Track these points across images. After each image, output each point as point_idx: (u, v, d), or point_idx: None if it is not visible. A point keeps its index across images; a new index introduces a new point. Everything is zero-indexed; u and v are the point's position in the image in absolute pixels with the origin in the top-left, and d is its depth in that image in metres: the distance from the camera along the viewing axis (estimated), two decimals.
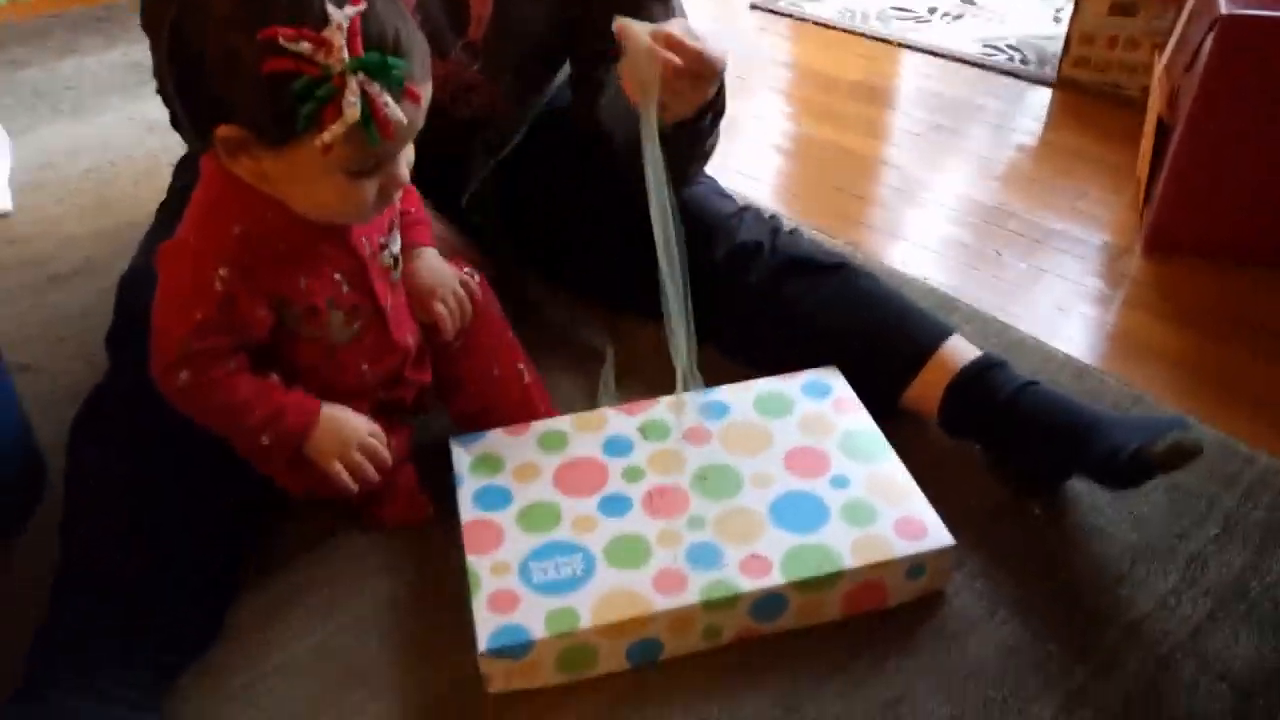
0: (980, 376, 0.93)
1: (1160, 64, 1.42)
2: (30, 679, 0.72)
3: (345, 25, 0.62)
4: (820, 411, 0.94)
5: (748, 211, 1.08)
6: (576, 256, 1.15)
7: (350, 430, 0.81)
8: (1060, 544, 0.90)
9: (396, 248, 0.85)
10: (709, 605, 0.78)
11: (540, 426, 0.93)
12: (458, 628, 0.81)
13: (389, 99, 0.63)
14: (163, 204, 1.08)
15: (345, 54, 0.61)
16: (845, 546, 0.81)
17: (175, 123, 1.03)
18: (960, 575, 0.87)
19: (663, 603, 0.77)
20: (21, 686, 0.72)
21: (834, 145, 1.65)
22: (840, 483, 0.87)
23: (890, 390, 0.97)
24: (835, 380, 0.97)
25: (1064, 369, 1.10)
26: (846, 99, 1.81)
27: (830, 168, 1.58)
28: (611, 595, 0.78)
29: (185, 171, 1.10)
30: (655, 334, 1.12)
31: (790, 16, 2.17)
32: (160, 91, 0.96)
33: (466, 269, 0.92)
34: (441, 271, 0.89)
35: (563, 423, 0.94)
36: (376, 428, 0.83)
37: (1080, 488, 0.95)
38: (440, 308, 0.87)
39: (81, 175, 1.56)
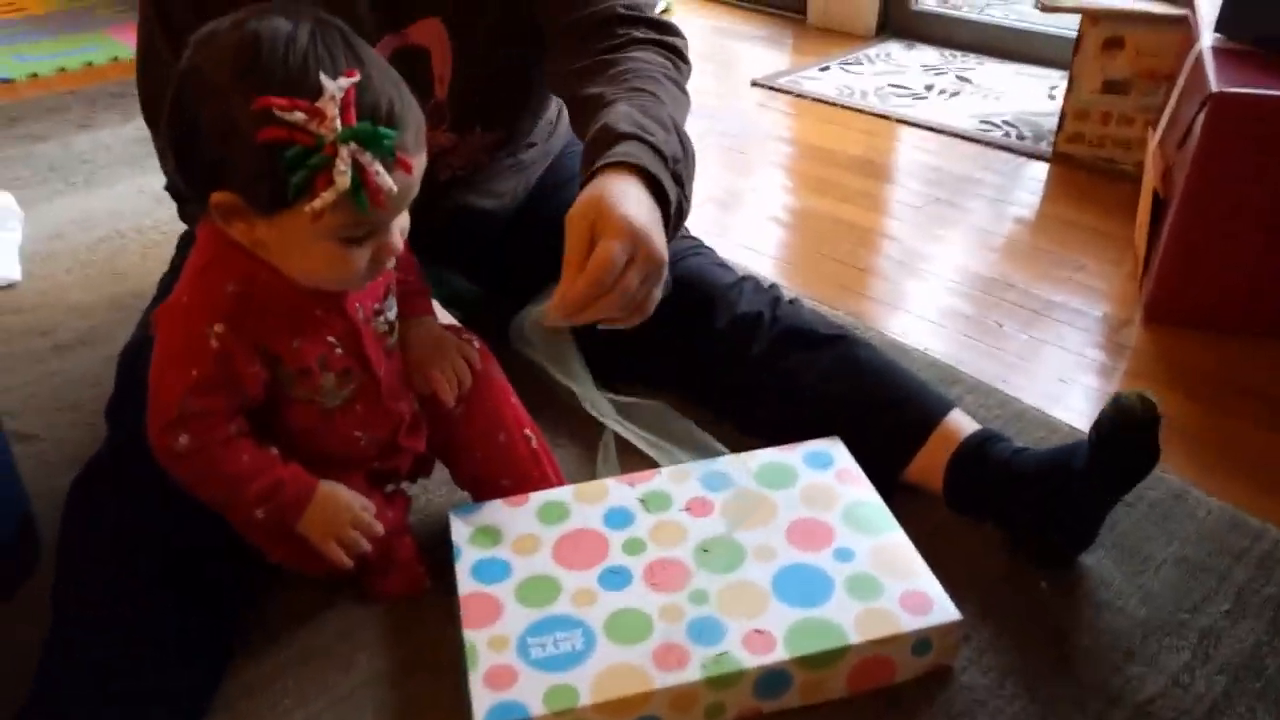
0: (981, 448, 0.92)
1: (1154, 140, 1.45)
2: None
3: (339, 96, 0.63)
4: (823, 483, 0.93)
5: (747, 282, 1.09)
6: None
7: (343, 506, 0.80)
8: (1069, 617, 0.88)
9: (392, 314, 0.85)
10: (711, 682, 0.76)
11: (540, 497, 0.93)
12: (454, 703, 0.80)
13: (380, 168, 0.65)
14: (164, 276, 1.09)
15: (338, 124, 0.63)
16: (850, 621, 0.79)
17: (172, 191, 1.04)
18: (968, 649, 0.85)
19: (663, 679, 0.75)
20: None
21: (834, 218, 1.67)
22: (844, 555, 0.85)
23: (893, 465, 0.96)
24: (837, 451, 0.96)
25: (1068, 440, 1.09)
26: (846, 173, 1.84)
27: (830, 240, 1.60)
28: (611, 672, 0.76)
29: (187, 246, 1.12)
30: (654, 401, 1.13)
31: (790, 93, 2.22)
32: (161, 160, 0.99)
33: (465, 335, 0.92)
34: (440, 339, 0.89)
35: (564, 494, 0.93)
36: (367, 501, 0.83)
37: (1089, 562, 0.93)
38: (438, 375, 0.86)
39: (92, 245, 1.58)
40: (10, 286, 1.47)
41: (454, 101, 0.99)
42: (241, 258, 0.73)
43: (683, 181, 0.84)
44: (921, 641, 0.80)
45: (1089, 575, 0.92)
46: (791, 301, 1.08)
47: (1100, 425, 0.82)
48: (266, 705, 0.81)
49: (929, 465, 0.94)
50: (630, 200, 0.75)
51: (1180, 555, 0.94)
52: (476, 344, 0.92)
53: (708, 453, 1.02)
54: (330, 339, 0.78)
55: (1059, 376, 1.24)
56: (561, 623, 0.80)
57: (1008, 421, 1.12)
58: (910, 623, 0.79)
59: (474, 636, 0.79)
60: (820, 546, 0.86)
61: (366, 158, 0.64)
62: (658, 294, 0.79)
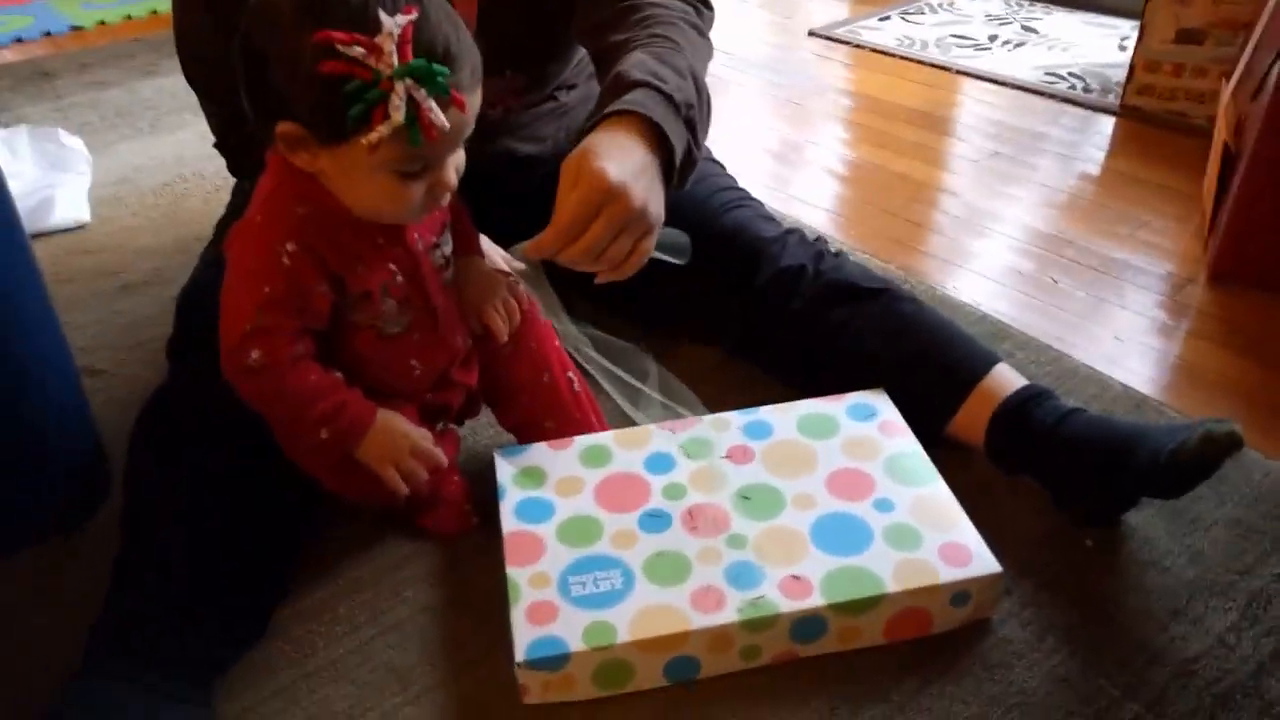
0: (1023, 406, 0.91)
1: (1227, 91, 1.39)
2: (84, 671, 0.74)
3: (396, 33, 0.65)
4: (865, 434, 0.93)
5: (792, 235, 1.08)
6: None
7: (401, 434, 0.82)
8: (1113, 576, 0.87)
9: (448, 249, 0.87)
10: (747, 625, 0.77)
11: (584, 441, 0.94)
12: (496, 637, 0.82)
13: (434, 105, 0.66)
14: (221, 220, 1.12)
15: (395, 60, 0.65)
16: (888, 570, 0.80)
17: (221, 147, 1.06)
18: (1008, 603, 0.85)
19: (700, 620, 0.77)
20: (75, 678, 0.74)
21: (892, 172, 1.65)
22: (884, 506, 0.85)
23: (935, 420, 0.96)
24: (881, 403, 0.96)
25: (1120, 399, 1.08)
26: (905, 126, 1.80)
27: (888, 194, 1.57)
28: (649, 611, 0.78)
29: (241, 192, 1.14)
30: (693, 353, 1.14)
31: (849, 44, 2.17)
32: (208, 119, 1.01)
33: (510, 276, 0.93)
34: (491, 277, 0.90)
35: (606, 438, 0.95)
36: (426, 432, 0.85)
37: (1135, 520, 0.92)
38: (491, 310, 0.88)
39: (157, 190, 1.62)
40: (81, 228, 1.52)
41: (480, 42, 0.99)
42: (309, 181, 0.75)
43: (695, 128, 0.84)
44: (960, 593, 0.80)
45: (1135, 534, 0.91)
46: (837, 254, 1.07)
47: (1182, 453, 0.79)
48: (319, 630, 0.85)
49: (971, 421, 0.94)
50: (616, 151, 0.77)
51: (1233, 517, 0.92)
52: (521, 285, 0.93)
53: (678, 399, 1.02)
54: (392, 266, 0.80)
55: (1116, 335, 1.21)
56: (602, 562, 0.82)
57: (1058, 379, 1.10)
58: (949, 573, 0.79)
59: (516, 574, 0.81)
60: (861, 496, 0.86)
61: (421, 94, 0.66)
62: (647, 245, 0.80)
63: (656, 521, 0.85)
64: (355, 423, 0.80)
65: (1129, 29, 2.06)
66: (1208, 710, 0.76)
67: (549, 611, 0.78)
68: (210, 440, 0.84)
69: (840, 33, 2.22)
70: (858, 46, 2.16)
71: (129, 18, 2.47)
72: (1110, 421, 0.89)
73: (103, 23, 2.44)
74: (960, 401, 0.94)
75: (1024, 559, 0.88)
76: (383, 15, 0.65)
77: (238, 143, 1.02)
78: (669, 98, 0.82)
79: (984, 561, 0.80)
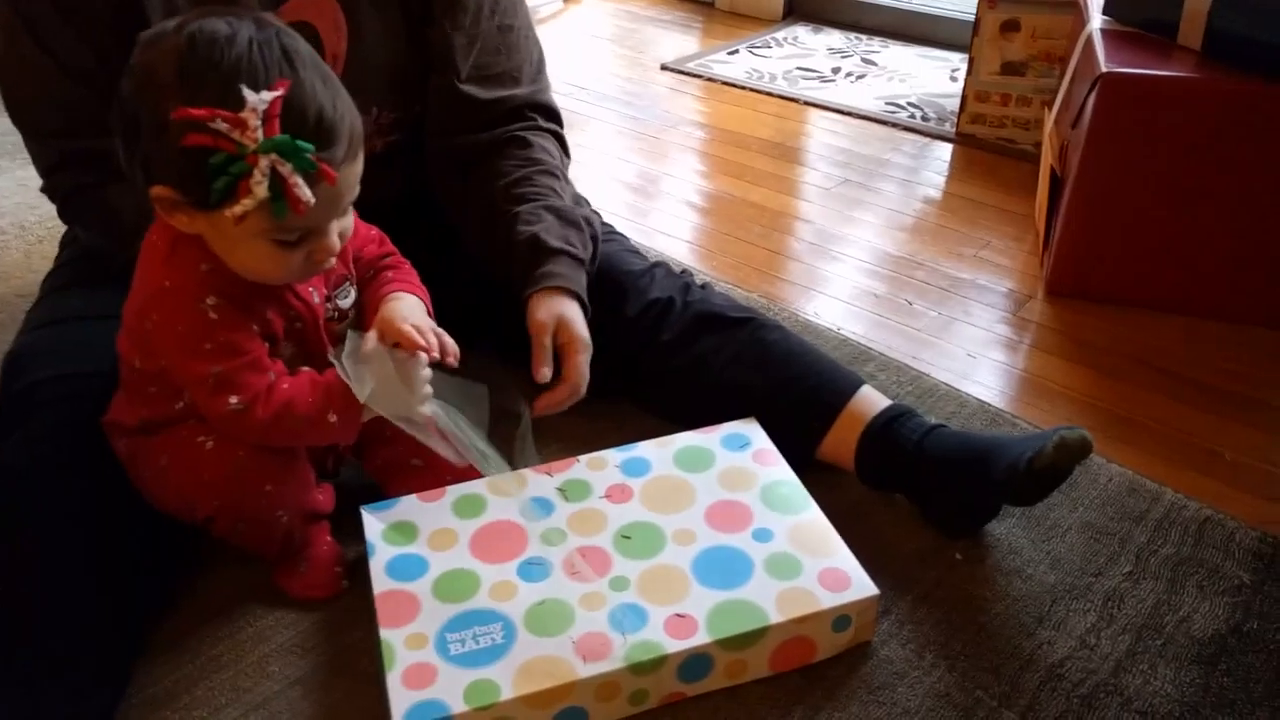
0: (888, 426, 0.94)
1: (1050, 120, 1.49)
2: None
3: (261, 108, 0.64)
4: (740, 464, 0.93)
5: (659, 268, 1.09)
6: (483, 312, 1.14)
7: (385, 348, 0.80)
8: (982, 586, 0.90)
9: (345, 303, 0.86)
10: (634, 669, 0.75)
11: (456, 491, 0.91)
12: (375, 705, 0.78)
13: (299, 180, 0.66)
14: (49, 275, 1.05)
15: (260, 134, 0.64)
16: (770, 601, 0.80)
17: (48, 192, 0.98)
18: (886, 622, 0.86)
19: (586, 669, 0.75)
20: None
21: (746, 201, 1.68)
22: (763, 536, 0.86)
23: (805, 443, 0.97)
24: (754, 432, 0.97)
25: (977, 414, 1.12)
26: (758, 156, 1.85)
27: (743, 223, 1.61)
28: (533, 664, 0.75)
29: (73, 243, 1.06)
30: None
31: (700, 77, 2.22)
32: (35, 162, 0.96)
33: None
34: (417, 311, 0.88)
35: (479, 486, 0.92)
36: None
37: (999, 530, 0.96)
38: (408, 327, 0.83)
39: None
40: None
41: (346, 78, 0.96)
42: (201, 240, 0.74)
43: (590, 273, 1.01)
44: (841, 618, 0.81)
45: (999, 544, 0.95)
46: (703, 286, 1.09)
47: (1039, 460, 0.83)
48: (173, 718, 0.78)
49: (840, 443, 0.96)
50: (578, 318, 0.95)
51: (1085, 520, 0.98)
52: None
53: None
54: (292, 313, 0.81)
55: (967, 352, 1.27)
56: (480, 616, 0.79)
57: (919, 398, 1.14)
58: (829, 600, 0.80)
59: (391, 635, 0.77)
60: (739, 528, 0.87)
61: (287, 169, 0.65)
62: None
63: (536, 570, 0.83)
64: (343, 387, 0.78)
65: (959, 61, 2.19)
66: (1076, 711, 0.80)
67: (427, 673, 0.74)
68: (35, 519, 0.77)
69: (692, 66, 2.27)
70: (709, 80, 2.21)
71: None
72: (969, 436, 0.94)
73: None
74: (828, 425, 0.96)
75: (898, 576, 0.90)
76: (246, 91, 0.64)
77: (71, 188, 0.94)
78: (581, 262, 0.99)
79: (862, 585, 0.82)
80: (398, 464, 0.93)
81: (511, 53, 1.04)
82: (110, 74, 0.72)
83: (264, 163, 0.64)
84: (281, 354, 0.81)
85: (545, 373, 0.92)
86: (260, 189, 0.64)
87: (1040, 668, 0.83)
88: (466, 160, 1.05)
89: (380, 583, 0.82)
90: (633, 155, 1.85)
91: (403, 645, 0.76)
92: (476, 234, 1.05)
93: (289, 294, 0.80)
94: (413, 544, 0.85)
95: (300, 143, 0.65)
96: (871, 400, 0.97)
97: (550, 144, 1.07)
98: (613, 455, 0.95)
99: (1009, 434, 1.02)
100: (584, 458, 0.95)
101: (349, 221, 0.77)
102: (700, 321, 1.02)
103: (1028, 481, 0.84)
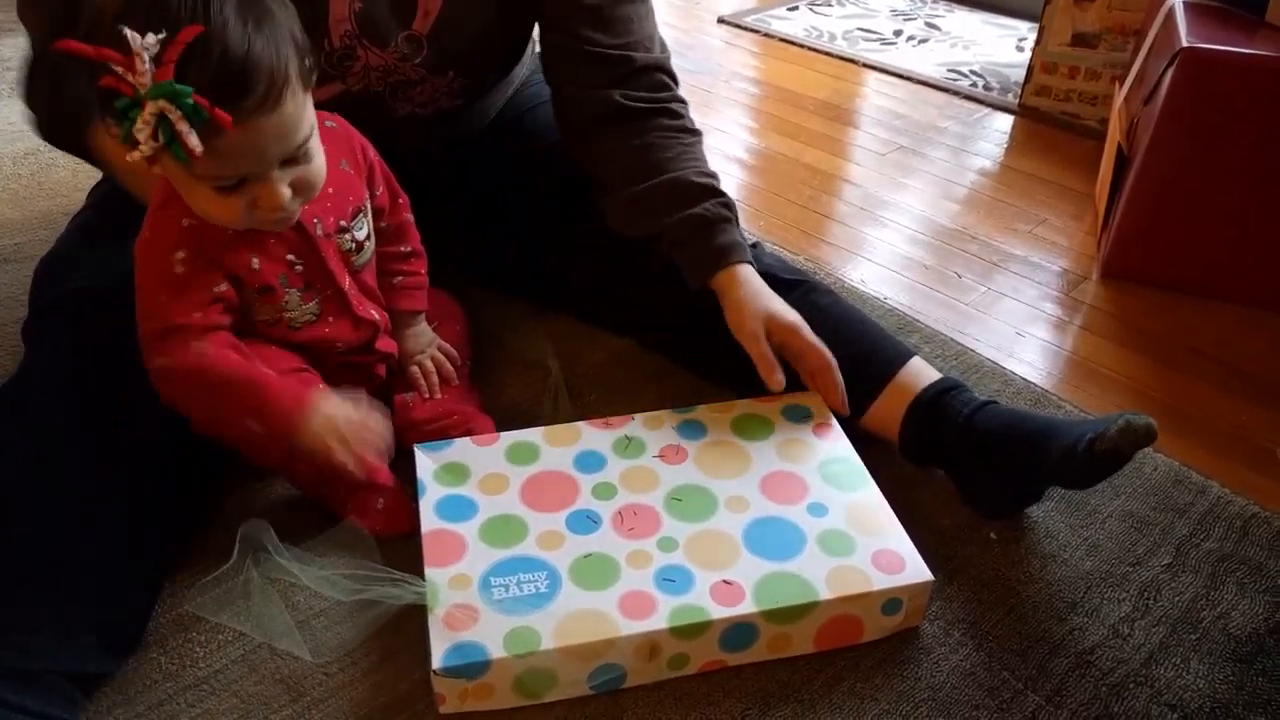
0: (938, 399, 0.92)
1: (1120, 95, 1.44)
2: None
3: (148, 51, 0.62)
4: (800, 436, 0.91)
5: None
6: (550, 255, 1.13)
7: (351, 407, 0.79)
8: (1015, 568, 0.89)
9: (361, 234, 0.86)
10: (677, 631, 0.74)
11: (510, 437, 0.90)
12: (396, 641, 0.78)
13: (186, 126, 0.63)
14: (95, 186, 1.05)
15: (149, 78, 0.62)
16: (820, 577, 0.78)
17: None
18: None
19: (629, 627, 0.73)
20: None
21: (796, 161, 1.65)
22: (818, 511, 0.84)
23: (851, 412, 0.95)
24: (816, 404, 0.94)
25: (1022, 394, 1.10)
26: (810, 116, 1.81)
27: (792, 183, 1.58)
28: (575, 616, 0.74)
29: None
30: (605, 346, 1.12)
31: (757, 32, 2.17)
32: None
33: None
34: (422, 334, 0.97)
35: (533, 435, 0.91)
36: (379, 407, 0.82)
37: (1036, 513, 0.94)
38: (415, 370, 0.95)
39: (18, 159, 1.50)
40: None
41: (434, 39, 0.94)
42: None
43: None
44: (891, 601, 0.79)
45: (1036, 526, 0.93)
46: (754, 246, 1.06)
47: (1101, 441, 0.80)
48: (199, 638, 0.79)
49: (886, 414, 0.94)
50: (787, 310, 0.93)
51: (1126, 509, 0.95)
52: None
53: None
54: (290, 256, 0.81)
55: (1015, 329, 1.24)
56: (526, 564, 0.78)
57: (963, 373, 1.12)
58: (881, 581, 0.78)
59: (436, 574, 0.77)
60: (794, 500, 0.85)
61: (176, 115, 0.63)
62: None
63: (585, 522, 0.82)
64: (287, 407, 0.77)
65: (1027, 30, 2.12)
66: (1103, 700, 0.78)
67: (469, 616, 0.74)
68: (64, 433, 0.77)
69: (749, 21, 2.21)
70: (766, 35, 2.16)
71: None
72: (1024, 414, 0.91)
73: None
74: (876, 393, 0.94)
75: (930, 552, 0.88)
76: (128, 33, 0.62)
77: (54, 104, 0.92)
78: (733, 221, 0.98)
79: (916, 569, 0.80)
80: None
81: (642, 22, 1.00)
82: None
83: (150, 108, 0.62)
84: (286, 300, 0.81)
85: (780, 378, 0.91)
86: (143, 133, 0.63)
87: (1070, 653, 0.81)
88: (612, 113, 0.99)
89: (429, 521, 0.82)
90: None
91: (447, 585, 0.76)
92: (621, 184, 1.00)
93: (290, 233, 0.80)
94: (463, 486, 0.85)
95: (180, 87, 0.62)
96: (922, 372, 0.95)
97: (692, 117, 1.04)
98: (669, 416, 0.93)
99: (1065, 416, 0.99)
100: (639, 416, 0.93)
101: (308, 173, 0.74)
102: None
103: (1085, 463, 0.81)
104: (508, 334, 1.13)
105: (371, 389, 0.93)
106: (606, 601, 0.75)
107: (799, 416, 0.93)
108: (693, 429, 0.92)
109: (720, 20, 2.23)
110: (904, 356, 0.95)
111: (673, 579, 0.77)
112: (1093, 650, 0.82)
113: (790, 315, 0.92)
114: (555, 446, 0.89)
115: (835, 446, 0.90)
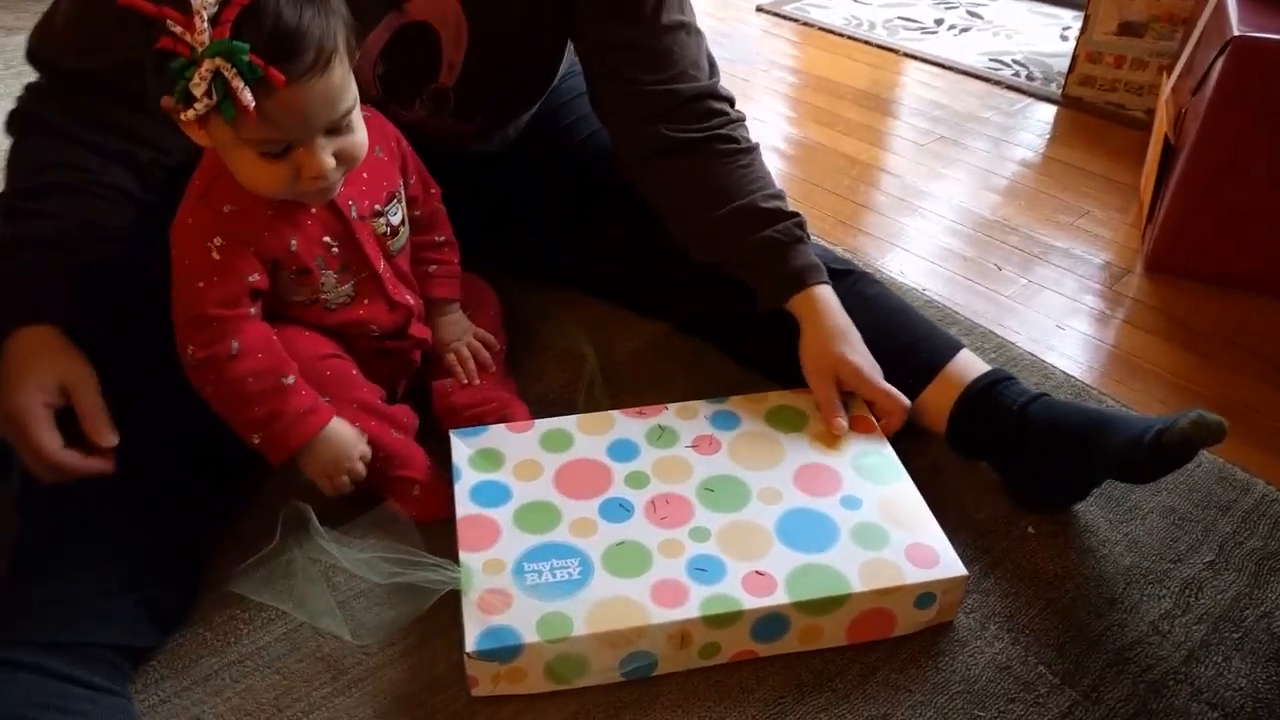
0: (991, 389, 0.91)
1: (1168, 85, 1.41)
2: None
3: (208, 12, 0.64)
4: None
5: None
6: (566, 252, 1.13)
7: (342, 451, 0.82)
8: (1054, 562, 0.88)
9: (396, 219, 0.88)
10: (709, 621, 0.74)
11: (544, 425, 0.91)
12: (434, 624, 0.79)
13: (241, 84, 0.65)
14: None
15: (207, 37, 0.65)
16: (853, 570, 0.78)
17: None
18: None
19: (661, 615, 0.74)
20: None
21: (834, 151, 1.64)
22: (851, 504, 0.84)
23: None
24: (851, 398, 0.94)
25: (1063, 387, 1.09)
26: (849, 105, 1.80)
27: (830, 173, 1.57)
28: (608, 603, 0.74)
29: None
30: (637, 334, 1.12)
31: (796, 21, 2.16)
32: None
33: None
34: (458, 323, 0.98)
35: (567, 422, 0.91)
36: (366, 448, 0.84)
37: (1076, 508, 0.93)
38: (451, 358, 0.95)
39: None
40: None
41: (461, 89, 0.95)
42: (233, 183, 0.76)
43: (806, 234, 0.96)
44: (925, 595, 0.79)
45: (1075, 521, 0.92)
46: None
47: (1170, 434, 0.78)
48: (243, 615, 0.81)
49: (934, 405, 0.93)
50: (855, 352, 0.90)
51: (1168, 505, 0.94)
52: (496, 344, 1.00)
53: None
54: (326, 239, 0.82)
55: (1056, 323, 1.23)
56: (560, 550, 0.79)
57: (1003, 366, 1.10)
58: (914, 575, 0.78)
59: (470, 559, 0.78)
60: (827, 492, 0.84)
61: (231, 72, 0.65)
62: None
63: (618, 510, 0.82)
64: (295, 435, 0.79)
65: (1071, 19, 2.08)
66: (1141, 697, 0.77)
67: (502, 600, 0.74)
68: (116, 416, 0.78)
69: (788, 9, 2.20)
70: (805, 24, 2.14)
71: None
72: (1082, 406, 0.90)
73: None
74: (924, 384, 0.93)
75: (967, 544, 0.88)
76: None
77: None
78: (803, 239, 0.95)
79: (950, 564, 0.79)
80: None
81: (685, 50, 0.96)
82: None
83: (207, 65, 0.64)
84: (322, 282, 0.83)
85: (842, 424, 0.89)
86: (199, 90, 0.65)
87: (1108, 650, 0.81)
88: (662, 147, 0.96)
89: (463, 506, 0.82)
90: None
91: (480, 570, 0.77)
92: (684, 218, 0.98)
93: (320, 214, 0.81)
94: (498, 472, 0.86)
95: (237, 44, 0.65)
96: (971, 364, 0.94)
97: (747, 132, 1.00)
98: (703, 407, 0.93)
99: (1125, 411, 0.97)
100: (673, 406, 0.93)
101: (351, 144, 0.76)
102: None
103: (1150, 455, 0.78)
104: (541, 322, 1.13)
105: (409, 375, 0.95)
106: (638, 589, 0.75)
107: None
108: (726, 419, 0.92)
109: (759, 9, 2.22)
110: (953, 348, 0.95)
111: (704, 568, 0.77)
112: (1131, 647, 0.81)
113: (862, 361, 0.90)
114: (589, 434, 0.90)
115: (869, 439, 0.90)
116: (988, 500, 0.93)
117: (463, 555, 0.78)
